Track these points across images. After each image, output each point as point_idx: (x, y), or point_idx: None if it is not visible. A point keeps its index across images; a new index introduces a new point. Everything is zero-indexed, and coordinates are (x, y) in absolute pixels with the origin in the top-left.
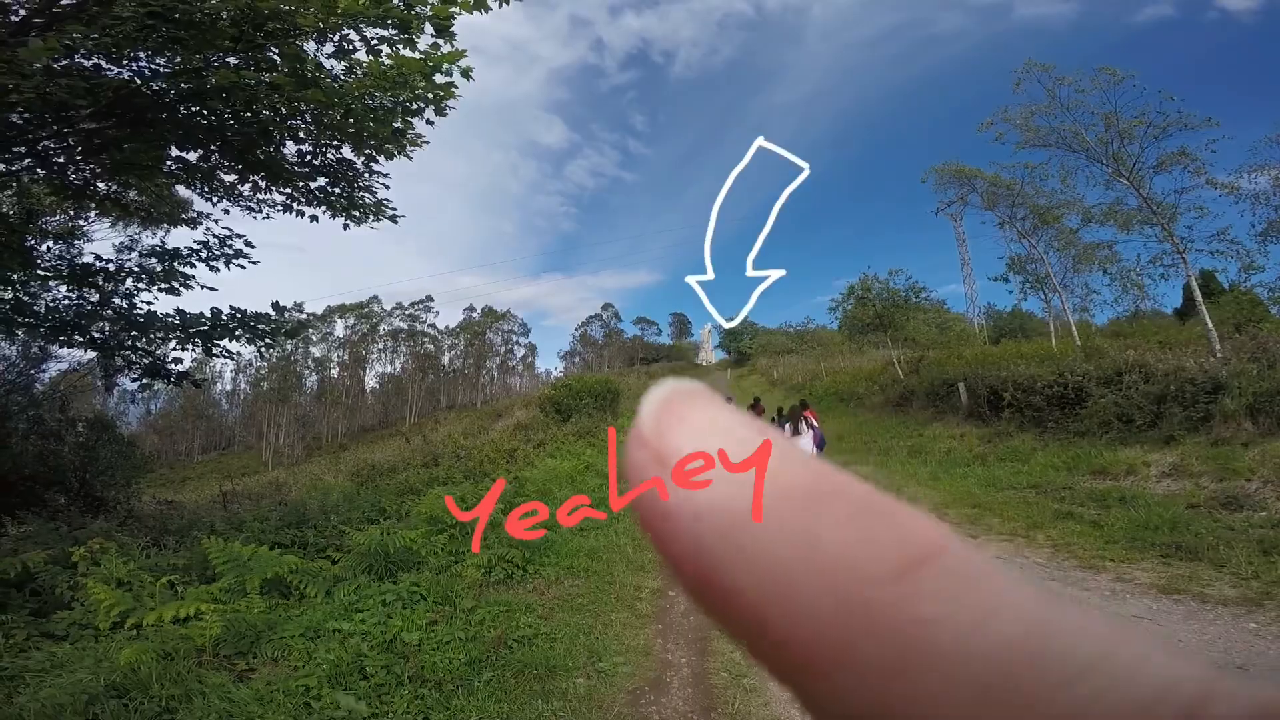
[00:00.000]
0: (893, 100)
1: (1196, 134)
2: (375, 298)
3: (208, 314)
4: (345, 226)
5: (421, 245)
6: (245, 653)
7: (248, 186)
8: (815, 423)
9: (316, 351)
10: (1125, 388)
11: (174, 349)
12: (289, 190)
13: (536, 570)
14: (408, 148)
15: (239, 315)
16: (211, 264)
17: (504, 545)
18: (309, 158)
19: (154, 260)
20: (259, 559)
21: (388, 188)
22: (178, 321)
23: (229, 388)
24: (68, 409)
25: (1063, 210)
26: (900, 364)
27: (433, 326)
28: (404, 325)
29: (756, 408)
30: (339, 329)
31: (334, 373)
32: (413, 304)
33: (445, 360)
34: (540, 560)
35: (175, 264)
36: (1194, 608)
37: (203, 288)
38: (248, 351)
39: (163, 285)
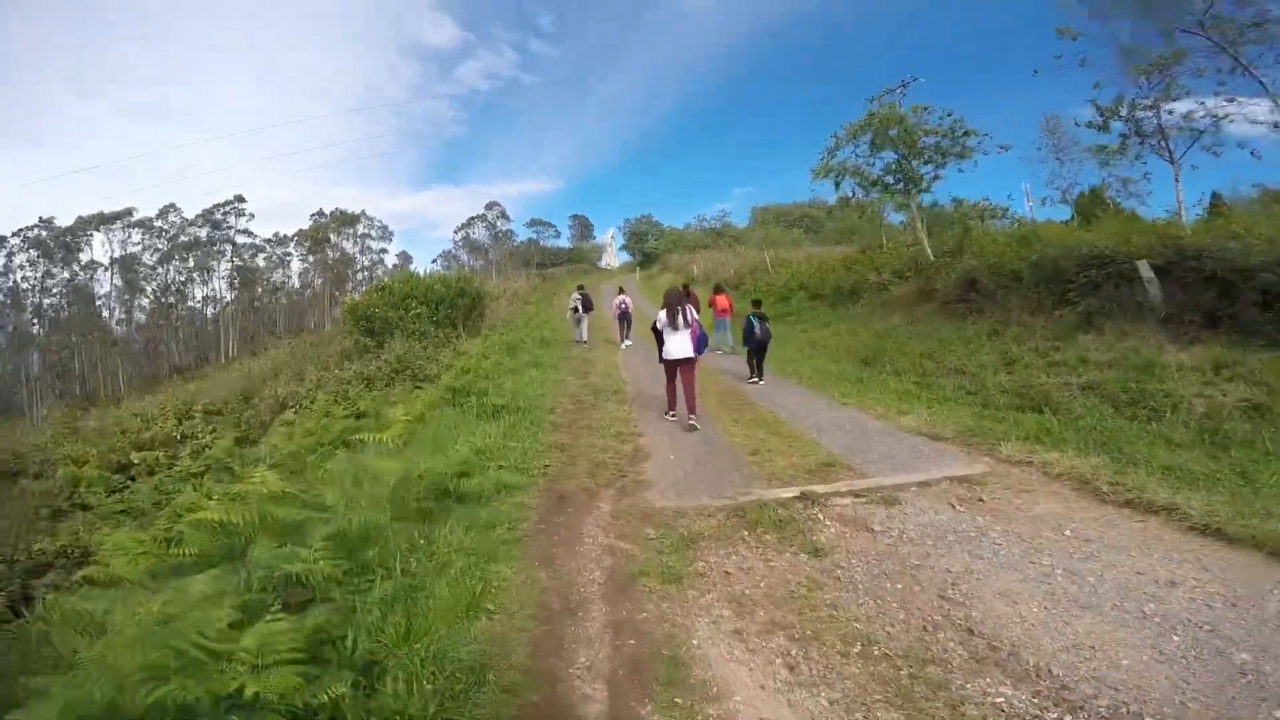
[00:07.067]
0: None
1: None
2: (171, 205)
3: None
4: None
5: (280, 160)
6: None
7: None
8: (696, 315)
9: (102, 282)
10: None
11: None
12: None
13: None
14: None
15: None
16: None
17: None
18: None
19: None
20: None
21: None
22: None
23: None
24: None
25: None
26: (924, 240)
27: (245, 233)
28: (201, 234)
29: (687, 291)
30: (97, 244)
31: (143, 303)
32: (216, 206)
33: (293, 276)
34: None
35: None
36: None
37: None
38: None
39: None
